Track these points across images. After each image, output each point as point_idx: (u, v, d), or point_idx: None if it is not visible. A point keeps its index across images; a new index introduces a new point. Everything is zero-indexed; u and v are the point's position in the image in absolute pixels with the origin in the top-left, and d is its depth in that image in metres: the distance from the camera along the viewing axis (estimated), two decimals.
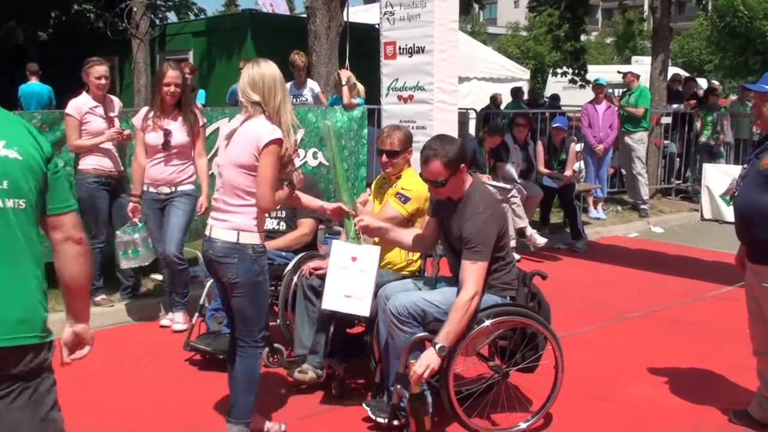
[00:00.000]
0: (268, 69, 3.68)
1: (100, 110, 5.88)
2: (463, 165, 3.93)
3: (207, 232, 3.69)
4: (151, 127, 5.50)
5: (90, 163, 5.87)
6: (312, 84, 9.43)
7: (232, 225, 3.58)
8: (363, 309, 3.99)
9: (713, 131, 12.16)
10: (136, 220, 5.65)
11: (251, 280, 3.59)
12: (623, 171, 11.16)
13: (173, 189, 5.62)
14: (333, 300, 4.03)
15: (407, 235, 4.31)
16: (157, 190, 5.59)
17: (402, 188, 4.60)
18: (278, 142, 3.56)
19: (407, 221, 4.57)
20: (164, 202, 5.62)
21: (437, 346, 3.66)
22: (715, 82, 18.47)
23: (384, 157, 4.73)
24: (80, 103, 5.82)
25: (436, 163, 3.87)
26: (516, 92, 15.49)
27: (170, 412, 4.26)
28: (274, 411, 4.25)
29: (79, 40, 16.67)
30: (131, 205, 5.61)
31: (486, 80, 17.90)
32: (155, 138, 5.51)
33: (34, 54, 16.44)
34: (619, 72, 11.32)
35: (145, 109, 5.64)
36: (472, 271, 3.81)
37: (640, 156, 10.85)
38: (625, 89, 11.32)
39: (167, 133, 5.51)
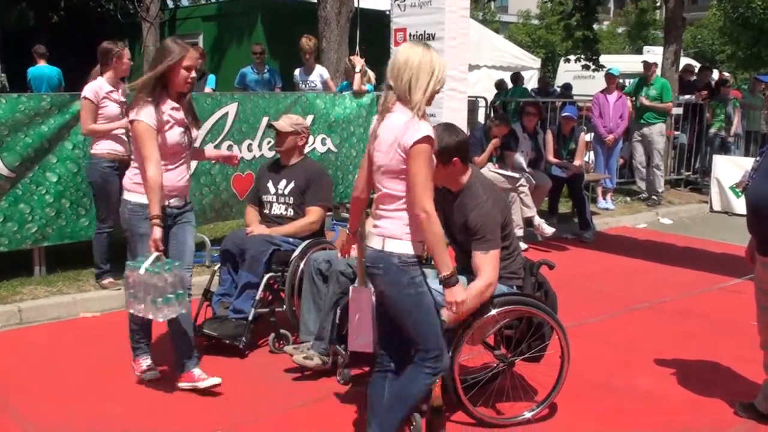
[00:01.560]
0: (410, 52, 3.26)
1: (116, 95, 5.89)
2: (455, 159, 3.83)
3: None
4: (172, 122, 4.17)
5: (104, 147, 5.87)
6: (321, 70, 9.40)
7: (381, 232, 3.30)
8: (351, 342, 3.75)
9: (727, 122, 12.09)
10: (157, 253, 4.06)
11: (400, 292, 3.28)
12: (635, 162, 11.07)
13: (185, 200, 4.42)
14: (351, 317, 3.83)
15: None
16: (169, 203, 4.26)
17: None
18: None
19: None
20: (175, 219, 4.32)
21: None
22: (726, 74, 18.34)
23: None
24: (97, 87, 5.81)
25: None
26: (516, 78, 15.35)
27: (175, 396, 4.27)
28: (280, 397, 4.25)
29: (89, 23, 16.69)
30: (157, 231, 4.01)
31: (496, 68, 17.82)
32: (178, 136, 4.24)
33: (44, 37, 16.44)
34: (643, 62, 11.19)
35: (148, 104, 4.06)
36: (486, 261, 3.81)
37: (659, 148, 10.78)
38: (637, 79, 11.23)
39: (188, 129, 4.34)
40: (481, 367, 4.32)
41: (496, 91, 14.48)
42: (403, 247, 3.25)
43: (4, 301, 5.60)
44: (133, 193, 4.15)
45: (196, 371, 4.31)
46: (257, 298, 4.85)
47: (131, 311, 4.15)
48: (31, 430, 3.87)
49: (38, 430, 3.86)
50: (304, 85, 9.29)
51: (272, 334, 4.97)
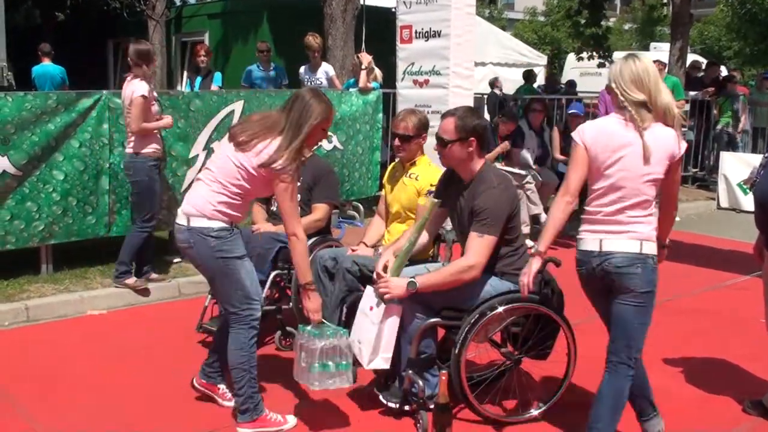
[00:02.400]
0: (651, 64, 3.41)
1: (154, 94, 6.01)
2: (473, 139, 3.90)
3: (596, 247, 3.46)
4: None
5: (152, 146, 5.92)
6: (326, 67, 9.40)
7: (636, 236, 3.37)
8: (364, 360, 3.78)
9: (734, 119, 12.05)
10: (317, 316, 3.78)
11: (649, 289, 3.41)
12: None
13: None
14: (353, 342, 3.87)
15: (423, 237, 4.25)
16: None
17: (430, 185, 4.57)
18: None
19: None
20: None
21: (410, 281, 3.71)
22: (730, 71, 18.25)
23: (397, 141, 4.72)
24: (148, 87, 5.86)
25: (449, 120, 3.93)
26: (528, 75, 15.34)
27: (180, 394, 4.27)
28: (287, 395, 4.25)
29: (94, 21, 16.71)
30: (316, 298, 3.78)
31: (501, 65, 17.80)
32: None
33: (49, 35, 16.47)
34: (655, 61, 11.17)
35: (296, 161, 3.68)
36: (477, 243, 3.80)
37: None
38: None
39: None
40: (487, 365, 4.31)
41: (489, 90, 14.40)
42: (654, 248, 3.41)
43: (12, 299, 5.62)
44: (215, 220, 3.67)
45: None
46: (264, 295, 4.83)
47: (295, 378, 3.87)
48: (38, 427, 3.87)
49: (45, 427, 3.87)
50: (309, 83, 9.29)
51: (278, 332, 4.97)
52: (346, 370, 3.74)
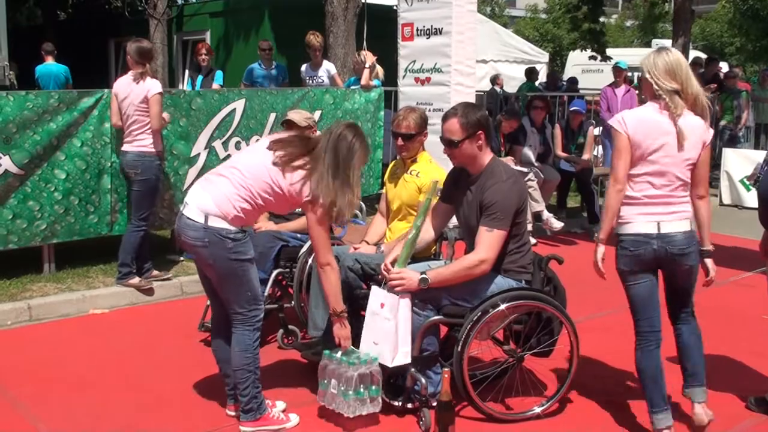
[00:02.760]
0: (682, 57, 3.72)
1: None
2: (480, 132, 3.93)
3: (653, 229, 3.68)
4: None
5: (159, 144, 6.00)
6: (328, 65, 9.39)
7: (685, 215, 3.69)
8: (387, 359, 3.78)
9: (733, 116, 12.02)
10: (347, 343, 3.89)
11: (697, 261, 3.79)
12: None
13: None
14: (366, 344, 3.89)
15: (428, 233, 4.27)
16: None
17: (432, 181, 4.56)
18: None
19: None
20: None
21: (422, 277, 3.74)
22: (731, 67, 18.23)
23: (399, 140, 4.71)
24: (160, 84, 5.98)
25: (453, 121, 3.94)
26: (530, 72, 15.32)
27: (182, 393, 4.27)
28: (288, 393, 4.25)
29: (96, 21, 16.71)
30: (346, 328, 3.87)
31: (502, 62, 17.77)
32: None
33: (51, 34, 16.47)
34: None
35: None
36: (488, 238, 3.81)
37: None
38: None
39: None
40: (490, 363, 4.30)
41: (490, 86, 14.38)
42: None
43: (14, 298, 5.62)
44: (234, 224, 3.61)
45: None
46: (266, 294, 4.84)
47: (321, 401, 3.88)
48: (40, 426, 3.88)
49: (47, 426, 3.87)
50: (311, 81, 9.28)
51: (281, 330, 4.96)
52: (377, 396, 3.79)
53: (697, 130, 3.62)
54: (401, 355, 3.79)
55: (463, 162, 4.03)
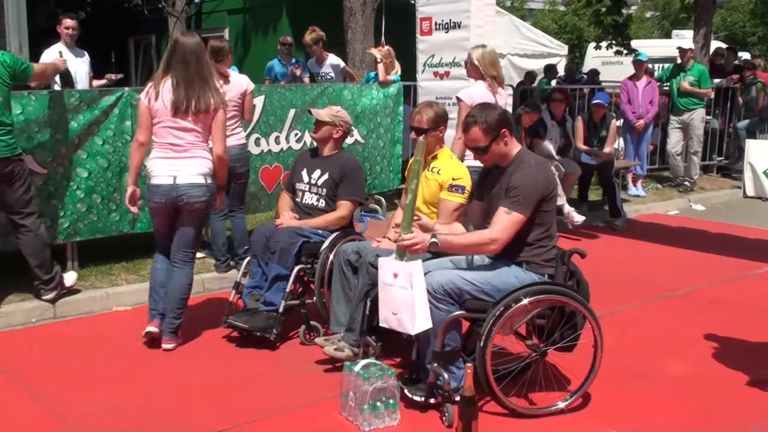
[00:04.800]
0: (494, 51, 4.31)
1: None
2: (504, 130, 3.96)
3: None
4: None
5: None
6: (333, 60, 9.31)
7: None
8: (408, 327, 3.78)
9: (747, 108, 11.93)
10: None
11: None
12: (669, 149, 10.90)
13: None
14: (385, 318, 3.90)
15: (458, 230, 4.27)
16: None
17: (452, 179, 4.57)
18: None
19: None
20: None
21: (432, 241, 3.75)
22: (751, 57, 17.99)
23: (413, 134, 4.75)
24: None
25: (475, 130, 3.97)
26: (549, 69, 15.23)
27: (205, 388, 4.29)
28: (311, 388, 4.26)
29: (116, 19, 16.79)
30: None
31: (520, 56, 17.65)
32: None
33: None
34: (678, 48, 11.00)
35: None
36: (504, 219, 3.82)
37: (699, 134, 10.64)
38: (671, 65, 11.06)
39: None
40: (513, 357, 4.28)
41: (519, 79, 14.33)
42: None
43: (39, 296, 5.66)
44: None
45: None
46: (287, 290, 4.85)
47: (341, 412, 3.92)
48: (64, 421, 3.91)
49: (71, 421, 3.91)
50: (319, 78, 9.26)
51: (303, 326, 4.98)
52: (394, 409, 3.81)
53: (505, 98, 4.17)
54: (422, 321, 3.75)
55: (495, 161, 4.08)
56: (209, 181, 4.80)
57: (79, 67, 7.26)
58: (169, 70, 4.75)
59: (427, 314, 3.77)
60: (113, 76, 7.19)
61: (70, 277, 5.73)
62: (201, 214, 4.88)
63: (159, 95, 4.71)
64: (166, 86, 4.71)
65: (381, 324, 3.97)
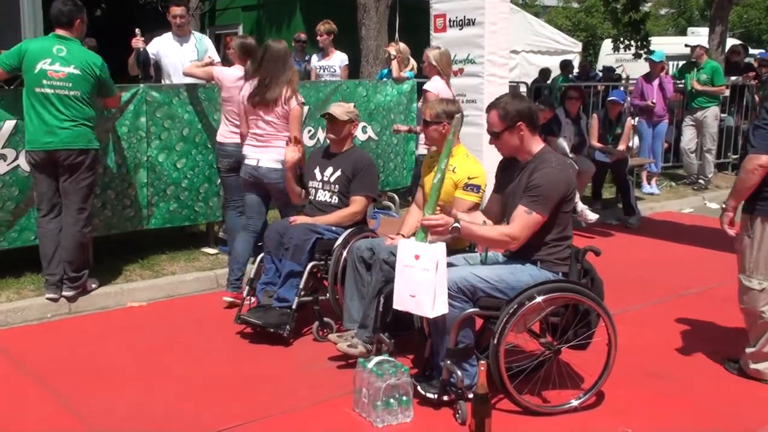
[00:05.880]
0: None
1: None
2: (521, 123, 3.97)
3: None
4: None
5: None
6: (340, 55, 9.30)
7: None
8: (426, 310, 3.74)
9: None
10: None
11: None
12: (683, 147, 10.85)
13: None
14: (401, 300, 3.84)
15: (478, 220, 4.26)
16: None
17: (468, 178, 4.57)
18: None
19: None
20: None
21: (454, 225, 3.74)
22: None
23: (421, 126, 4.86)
24: None
25: (492, 113, 4.04)
26: (565, 65, 15.20)
27: (219, 384, 4.31)
28: (325, 385, 4.27)
29: (130, 15, 16.86)
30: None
31: (534, 53, 17.62)
32: None
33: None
34: (686, 45, 10.95)
35: None
36: (525, 219, 3.84)
37: (713, 132, 10.58)
38: (685, 63, 11.00)
39: None
40: (526, 355, 4.28)
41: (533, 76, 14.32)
42: None
43: (58, 289, 5.68)
44: None
45: None
46: (301, 286, 4.86)
47: (355, 408, 3.93)
48: (79, 416, 3.93)
49: (85, 416, 3.93)
50: (322, 71, 9.24)
51: (316, 323, 4.98)
52: (408, 406, 3.82)
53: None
54: (440, 305, 3.72)
55: (509, 152, 4.11)
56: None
57: (186, 55, 7.17)
58: (260, 70, 5.51)
59: (446, 298, 3.73)
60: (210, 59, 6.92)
61: (93, 284, 5.78)
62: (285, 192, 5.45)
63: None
64: (254, 84, 5.53)
65: (395, 307, 3.89)
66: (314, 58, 9.51)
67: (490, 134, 4.09)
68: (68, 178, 5.39)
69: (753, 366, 4.38)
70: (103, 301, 5.75)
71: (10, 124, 5.52)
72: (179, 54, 7.14)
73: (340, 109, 5.21)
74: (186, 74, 6.57)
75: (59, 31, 5.43)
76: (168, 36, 7.27)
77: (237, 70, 6.22)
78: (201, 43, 7.28)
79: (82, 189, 5.46)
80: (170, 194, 6.52)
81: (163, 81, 7.17)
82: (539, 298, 3.77)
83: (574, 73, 16.07)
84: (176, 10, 7.18)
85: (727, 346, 4.89)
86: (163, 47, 7.16)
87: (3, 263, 5.88)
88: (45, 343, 5.00)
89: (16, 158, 5.60)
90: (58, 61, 5.30)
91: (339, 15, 10.00)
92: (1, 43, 6.01)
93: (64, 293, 5.55)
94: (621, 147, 8.92)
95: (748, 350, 4.39)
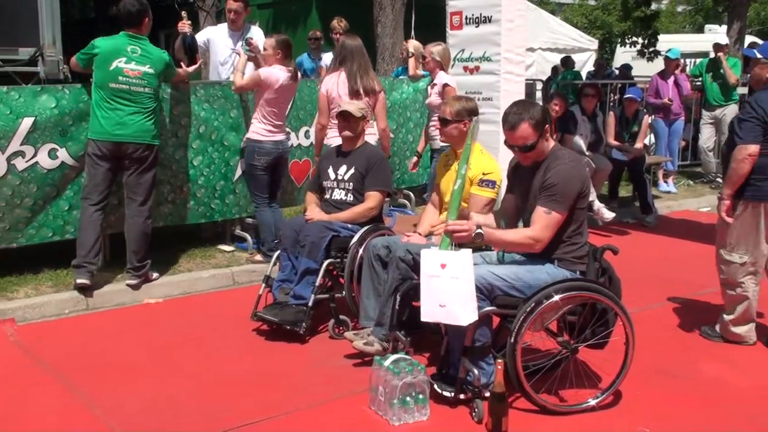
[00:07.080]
0: None
1: None
2: (547, 126, 3.96)
3: None
4: None
5: None
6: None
7: None
8: (459, 318, 3.69)
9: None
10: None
11: None
12: (701, 145, 10.76)
13: None
14: (429, 311, 3.78)
15: (492, 222, 4.25)
16: None
17: (483, 173, 4.55)
18: None
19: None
20: None
21: (478, 231, 3.73)
22: None
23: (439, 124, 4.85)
24: None
25: (524, 126, 3.90)
26: (566, 61, 15.10)
27: (233, 380, 4.32)
28: (340, 382, 4.27)
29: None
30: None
31: (551, 50, 17.54)
32: None
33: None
34: (715, 44, 10.84)
35: None
36: (545, 219, 3.82)
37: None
38: (706, 60, 10.91)
39: None
40: (543, 354, 4.26)
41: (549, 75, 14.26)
42: None
43: (71, 288, 5.72)
44: None
45: None
46: (317, 284, 4.86)
47: (371, 406, 3.93)
48: (97, 411, 3.95)
49: (102, 410, 3.95)
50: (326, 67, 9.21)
51: (332, 320, 4.99)
52: (424, 404, 3.81)
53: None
54: (470, 312, 3.68)
55: (535, 158, 4.01)
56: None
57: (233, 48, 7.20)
58: (342, 65, 5.94)
59: (475, 305, 3.70)
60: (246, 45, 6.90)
61: (155, 273, 6.02)
62: None
63: (336, 86, 5.93)
64: (341, 78, 5.93)
65: (423, 319, 3.84)
66: (329, 55, 9.50)
67: (521, 148, 3.95)
68: (134, 171, 5.73)
69: (734, 329, 4.84)
70: (120, 297, 5.77)
71: (28, 121, 5.55)
72: (229, 46, 7.20)
73: (353, 106, 5.22)
74: (236, 91, 6.54)
75: (129, 30, 5.73)
76: (223, 26, 7.32)
77: (281, 71, 6.19)
78: (246, 33, 7.22)
79: (146, 182, 5.80)
80: (186, 192, 6.53)
81: (208, 72, 7.23)
82: (556, 297, 3.75)
83: (590, 71, 15.99)
84: (231, 5, 7.22)
85: (747, 346, 4.85)
86: (214, 37, 7.19)
87: (21, 260, 5.92)
88: (62, 339, 5.03)
89: (35, 155, 5.63)
90: (134, 60, 5.66)
91: (355, 12, 10.00)
92: (21, 42, 6.06)
93: (128, 282, 5.82)
94: (638, 145, 8.87)
95: (727, 317, 4.85)
